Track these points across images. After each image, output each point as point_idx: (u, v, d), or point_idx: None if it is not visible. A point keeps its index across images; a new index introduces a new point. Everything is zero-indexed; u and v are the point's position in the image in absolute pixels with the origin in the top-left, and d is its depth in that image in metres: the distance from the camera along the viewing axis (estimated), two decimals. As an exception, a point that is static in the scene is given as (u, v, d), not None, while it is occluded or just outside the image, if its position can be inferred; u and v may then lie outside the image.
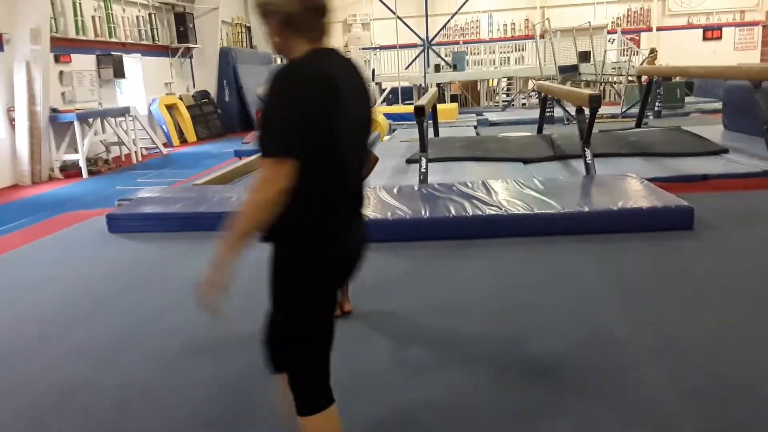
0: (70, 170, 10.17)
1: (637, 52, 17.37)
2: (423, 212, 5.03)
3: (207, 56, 15.96)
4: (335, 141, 1.70)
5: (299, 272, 1.75)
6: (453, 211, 5.02)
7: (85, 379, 2.96)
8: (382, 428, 2.45)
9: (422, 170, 6.59)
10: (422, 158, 6.71)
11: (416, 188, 5.94)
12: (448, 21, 18.71)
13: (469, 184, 5.84)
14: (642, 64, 16.00)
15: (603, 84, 15.67)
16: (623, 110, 13.25)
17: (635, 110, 11.43)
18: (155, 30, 14.18)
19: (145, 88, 13.83)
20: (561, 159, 7.69)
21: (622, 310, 3.44)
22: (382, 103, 17.44)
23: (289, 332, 1.84)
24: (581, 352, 2.96)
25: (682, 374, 2.71)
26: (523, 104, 18.34)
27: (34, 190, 9.01)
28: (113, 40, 12.50)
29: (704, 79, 15.18)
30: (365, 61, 17.61)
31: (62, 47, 10.76)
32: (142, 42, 13.67)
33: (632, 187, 5.50)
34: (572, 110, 9.33)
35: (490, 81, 19.59)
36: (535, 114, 10.96)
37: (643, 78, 11.98)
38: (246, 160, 8.86)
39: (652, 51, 17.80)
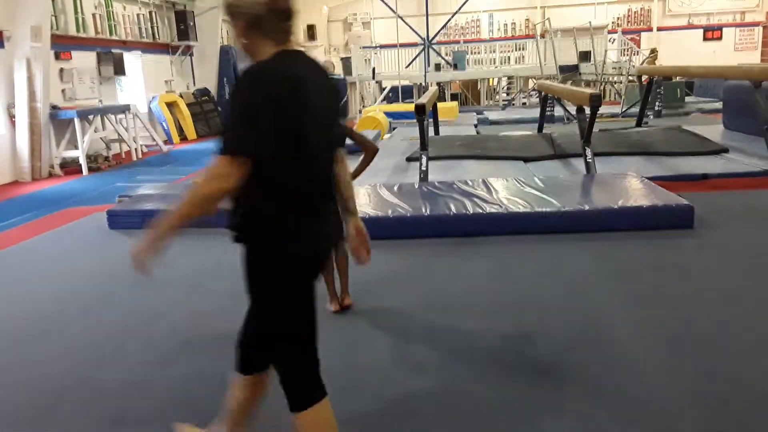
0: (70, 167, 10.16)
1: (638, 52, 17.35)
2: (423, 210, 5.04)
3: (207, 54, 15.94)
4: (303, 140, 1.71)
5: (271, 269, 1.77)
6: (453, 209, 5.02)
7: (84, 374, 2.97)
8: (382, 423, 2.46)
9: (423, 168, 6.59)
10: (423, 156, 6.71)
11: (417, 186, 5.95)
12: (449, 20, 18.71)
13: (470, 183, 5.84)
14: (642, 64, 15.99)
15: (603, 83, 15.67)
16: (623, 110, 13.26)
17: (635, 110, 11.44)
18: (156, 28, 14.17)
19: (145, 85, 13.82)
20: (561, 158, 7.70)
21: (622, 309, 3.44)
22: (382, 101, 17.44)
23: (269, 330, 1.86)
24: (581, 350, 2.97)
25: (682, 372, 2.71)
26: (524, 103, 18.33)
27: (34, 187, 9.00)
28: (114, 37, 12.49)
29: (704, 78, 15.19)
30: (366, 60, 17.61)
31: (63, 44, 10.75)
32: (143, 39, 13.66)
33: (632, 186, 5.50)
34: (573, 109, 9.34)
35: (491, 80, 19.59)
36: (536, 113, 10.96)
37: (644, 78, 11.99)
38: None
39: (653, 51, 17.79)
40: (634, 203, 4.94)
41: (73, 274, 4.50)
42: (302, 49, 1.83)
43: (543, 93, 10.47)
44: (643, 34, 20.82)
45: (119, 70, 12.30)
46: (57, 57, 10.60)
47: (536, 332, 3.19)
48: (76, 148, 10.14)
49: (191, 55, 15.69)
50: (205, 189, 1.65)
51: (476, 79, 19.25)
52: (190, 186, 1.68)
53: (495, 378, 2.75)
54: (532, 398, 2.57)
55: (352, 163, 3.53)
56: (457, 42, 20.11)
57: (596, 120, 6.81)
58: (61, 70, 10.80)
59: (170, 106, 14.12)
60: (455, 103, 15.82)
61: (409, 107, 12.89)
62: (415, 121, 6.92)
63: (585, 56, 15.82)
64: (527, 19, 21.21)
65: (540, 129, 10.26)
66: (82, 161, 10.04)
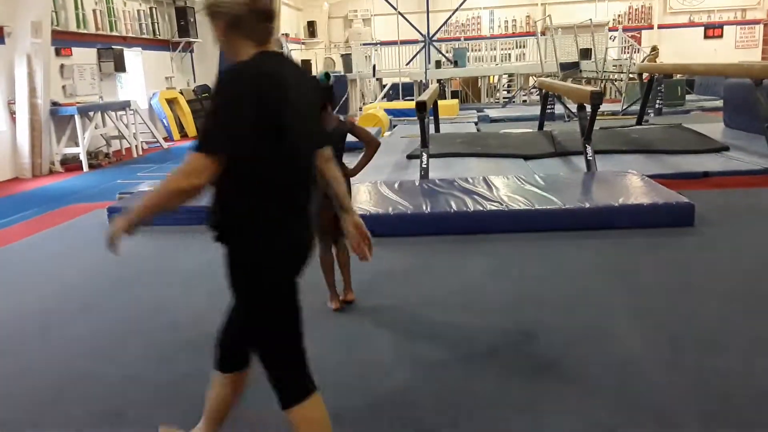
0: (70, 163, 10.15)
1: (638, 49, 17.34)
2: (424, 207, 5.04)
3: (208, 51, 15.90)
4: (283, 132, 1.72)
5: (253, 265, 1.77)
6: (454, 206, 5.02)
7: (86, 370, 2.98)
8: (383, 418, 2.46)
9: (423, 166, 6.59)
10: (423, 154, 6.71)
11: (417, 183, 5.95)
12: (450, 17, 18.70)
13: (470, 180, 5.84)
14: (643, 61, 15.97)
15: (604, 81, 15.66)
16: (624, 107, 13.25)
17: (636, 107, 11.43)
18: (156, 24, 14.15)
19: (145, 82, 13.80)
20: (562, 155, 7.69)
21: (622, 306, 3.45)
22: (382, 98, 17.43)
23: (254, 327, 1.86)
24: (581, 347, 2.97)
25: (683, 369, 2.71)
26: (524, 101, 18.34)
27: (34, 183, 9.00)
28: (114, 33, 12.47)
29: (705, 76, 15.18)
30: (366, 57, 17.59)
31: (63, 40, 10.74)
32: (143, 36, 13.64)
33: (633, 184, 5.51)
34: (573, 107, 9.33)
35: (491, 77, 19.58)
36: (536, 111, 10.95)
37: (644, 75, 11.97)
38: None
39: (654, 49, 17.76)
40: (634, 201, 4.95)
41: (74, 271, 4.50)
42: (282, 51, 1.87)
43: (543, 90, 10.46)
44: (643, 31, 20.85)
45: (120, 66, 12.29)
46: (57, 53, 10.59)
47: (537, 329, 3.19)
48: (77, 144, 10.14)
49: (192, 51, 15.67)
50: (176, 184, 1.65)
51: (477, 77, 19.24)
52: (162, 179, 1.68)
53: (495, 374, 2.76)
54: (533, 394, 2.57)
55: (352, 160, 3.56)
56: (458, 39, 20.12)
57: (597, 118, 6.81)
58: (62, 66, 10.78)
59: (171, 102, 14.11)
60: (456, 101, 15.83)
61: (410, 104, 12.91)
62: (415, 118, 6.92)
63: (586, 54, 15.81)
64: (528, 16, 21.22)
65: (540, 126, 10.25)
66: (83, 158, 10.04)
